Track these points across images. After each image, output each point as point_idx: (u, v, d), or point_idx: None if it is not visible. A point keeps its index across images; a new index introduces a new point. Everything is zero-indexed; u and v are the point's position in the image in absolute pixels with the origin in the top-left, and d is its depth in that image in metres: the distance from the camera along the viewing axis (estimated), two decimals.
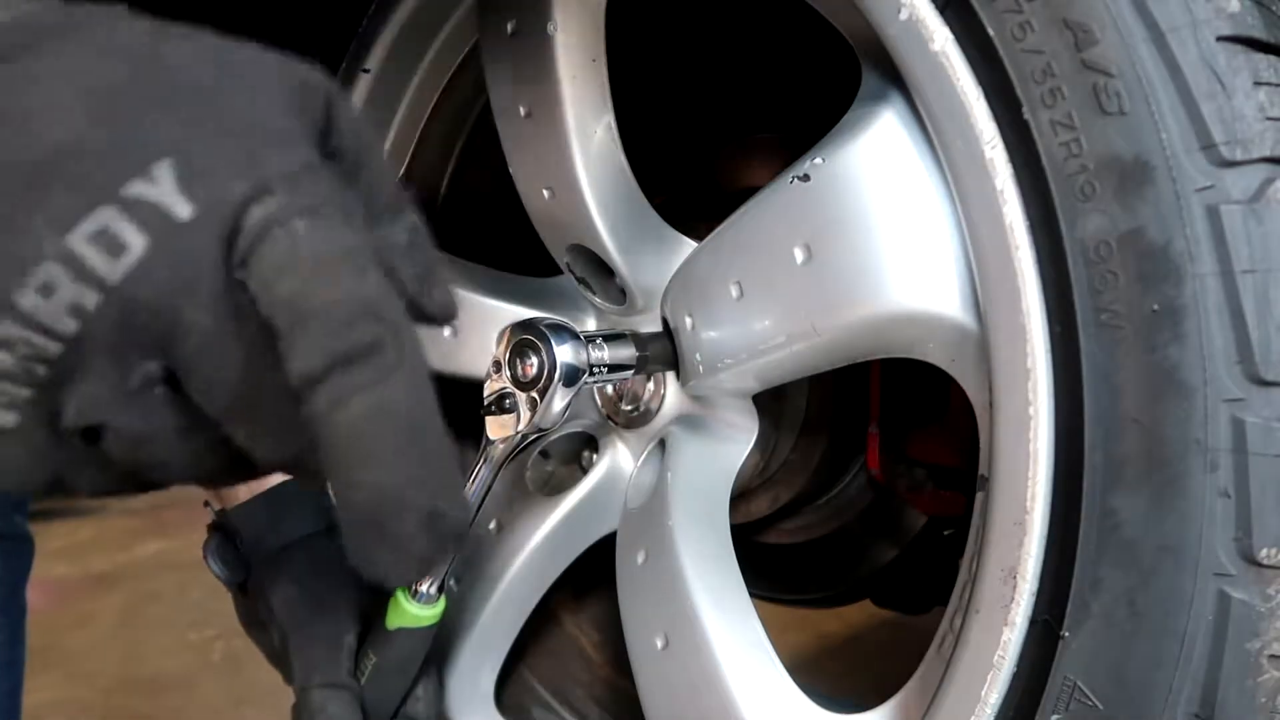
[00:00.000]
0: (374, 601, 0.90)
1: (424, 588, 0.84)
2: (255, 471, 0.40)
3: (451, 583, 0.99)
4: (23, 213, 0.33)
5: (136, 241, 0.33)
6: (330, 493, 0.35)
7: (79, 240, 0.32)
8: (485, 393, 0.81)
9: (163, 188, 0.33)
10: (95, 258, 0.33)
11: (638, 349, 0.83)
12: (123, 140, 0.33)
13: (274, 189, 0.34)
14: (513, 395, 0.79)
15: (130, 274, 0.33)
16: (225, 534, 0.95)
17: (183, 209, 0.33)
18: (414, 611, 0.84)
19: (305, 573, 0.90)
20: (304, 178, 0.35)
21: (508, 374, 0.79)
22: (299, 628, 0.88)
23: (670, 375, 0.90)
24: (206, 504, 1.00)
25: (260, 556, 0.92)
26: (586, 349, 0.79)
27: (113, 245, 0.33)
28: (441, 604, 0.85)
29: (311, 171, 0.36)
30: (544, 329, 0.78)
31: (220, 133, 0.35)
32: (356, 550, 0.34)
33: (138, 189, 0.33)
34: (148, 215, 0.33)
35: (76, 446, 0.36)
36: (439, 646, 0.96)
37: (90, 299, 0.33)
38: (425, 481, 0.34)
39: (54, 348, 0.33)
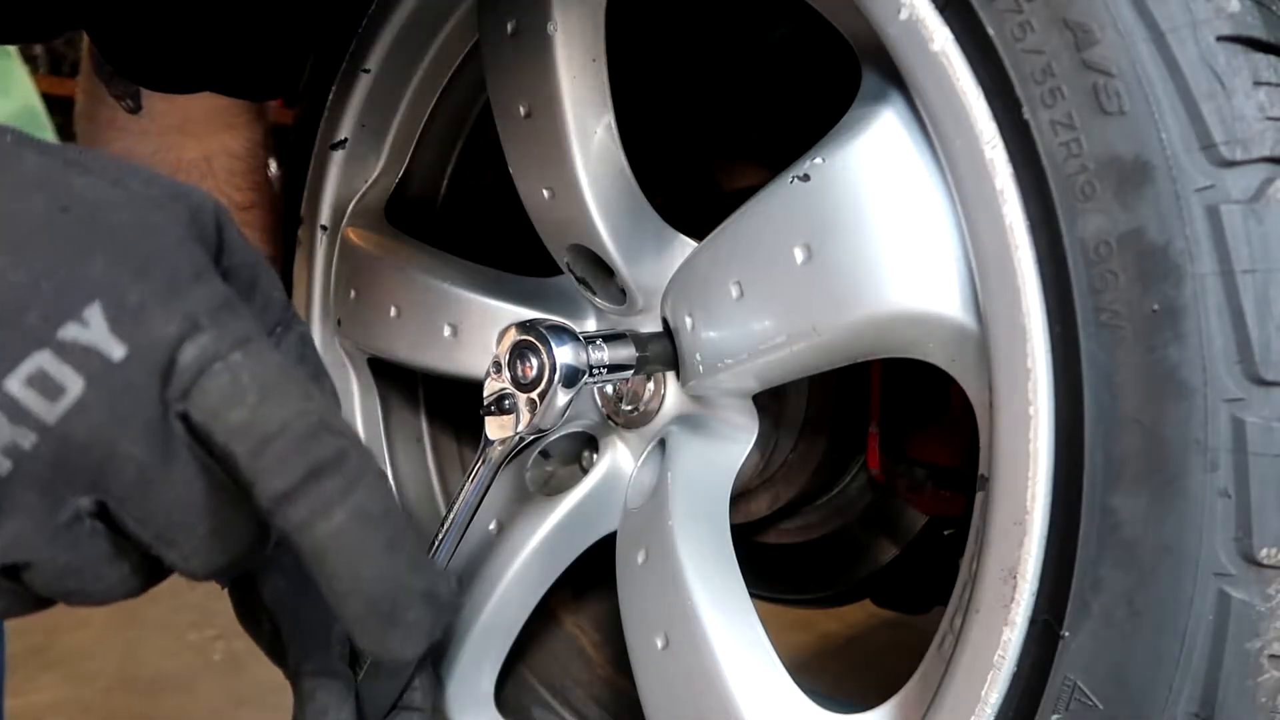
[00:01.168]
0: None
1: None
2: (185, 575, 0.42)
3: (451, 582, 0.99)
4: None
5: (74, 384, 0.34)
6: (324, 594, 0.38)
7: (16, 384, 0.34)
8: (485, 393, 0.81)
9: (95, 331, 0.34)
10: (32, 400, 0.34)
11: (637, 349, 0.83)
12: (52, 284, 0.34)
13: (203, 325, 0.36)
14: (512, 396, 0.79)
15: (67, 414, 0.34)
16: None
17: (117, 350, 0.35)
18: None
19: (293, 564, 0.90)
20: (225, 311, 0.37)
21: (507, 375, 0.79)
22: (290, 618, 0.88)
23: (670, 375, 0.90)
24: None
25: None
26: (586, 350, 0.79)
27: (49, 388, 0.34)
28: None
29: (230, 304, 0.38)
30: (544, 330, 0.78)
31: (142, 271, 0.36)
32: (369, 637, 0.37)
33: (72, 332, 0.34)
34: (83, 358, 0.34)
35: None
36: (438, 645, 0.96)
37: (27, 440, 0.34)
38: (418, 567, 0.37)
39: None
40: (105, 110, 0.92)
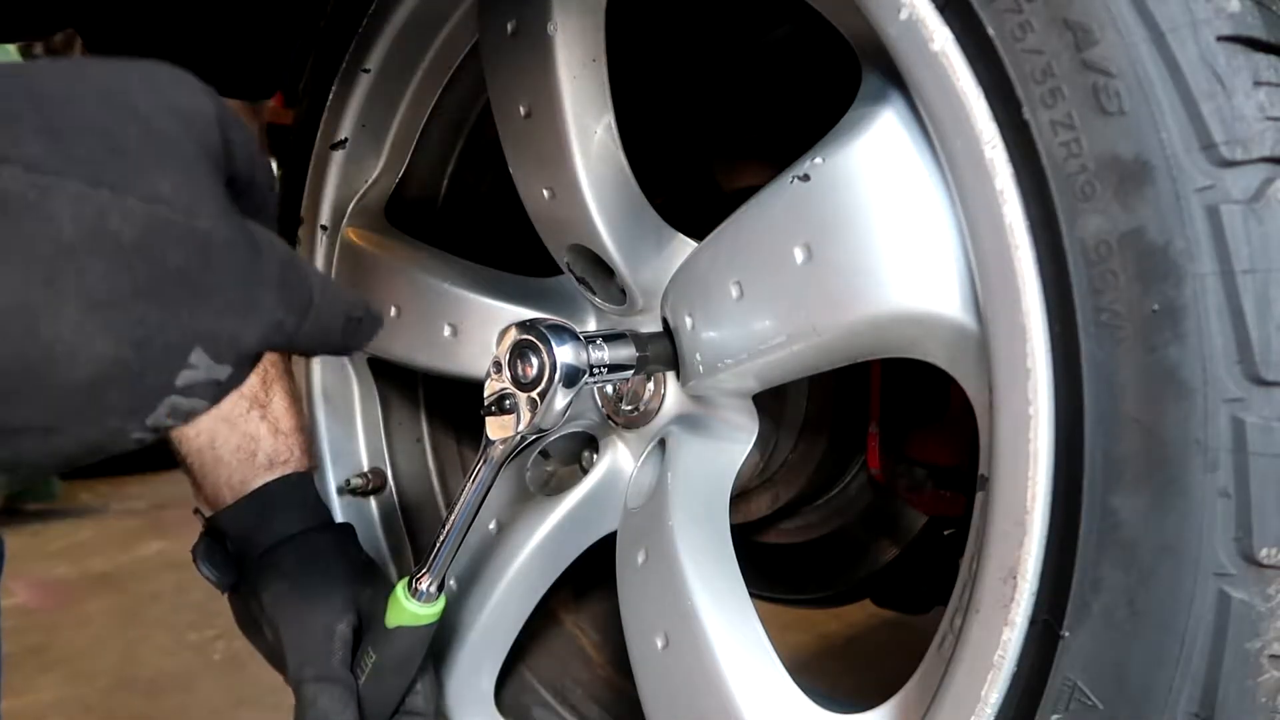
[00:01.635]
0: (368, 594, 0.90)
1: (424, 586, 0.84)
2: None
3: (451, 582, 0.99)
4: (94, 418, 0.40)
5: (200, 405, 0.43)
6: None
7: (159, 419, 0.42)
8: (485, 393, 0.81)
9: (203, 368, 0.42)
10: (175, 422, 0.43)
11: (638, 349, 0.83)
12: (158, 347, 0.41)
13: (274, 319, 0.44)
14: (513, 396, 0.79)
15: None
16: (214, 537, 0.96)
17: (223, 372, 0.43)
18: (413, 610, 0.84)
19: (294, 569, 0.90)
20: (285, 292, 0.45)
21: (508, 375, 0.79)
22: (289, 622, 0.88)
23: (670, 375, 0.90)
24: (196, 511, 1.00)
25: (249, 557, 0.92)
26: (586, 349, 0.79)
27: (181, 414, 0.43)
28: (441, 602, 0.85)
29: (284, 282, 0.45)
30: (544, 330, 0.78)
31: (222, 309, 0.42)
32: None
33: (186, 377, 0.42)
34: (202, 388, 0.43)
35: None
36: (439, 646, 0.96)
37: None
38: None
39: None
40: None
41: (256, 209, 0.47)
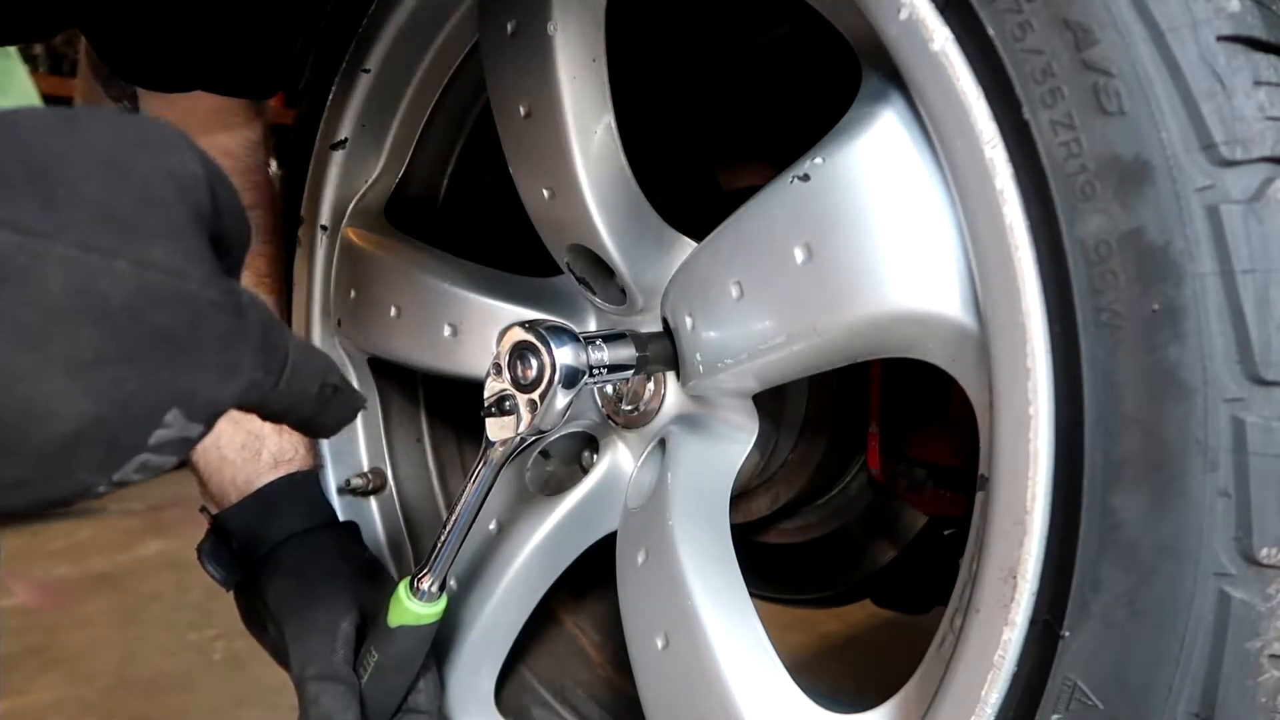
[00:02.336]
0: (371, 592, 0.90)
1: (425, 586, 0.84)
2: None
3: (451, 582, 0.99)
4: (65, 473, 0.41)
5: (168, 461, 0.44)
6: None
7: (127, 474, 0.43)
8: (485, 395, 0.81)
9: (177, 426, 0.43)
10: (141, 477, 0.44)
11: (637, 349, 0.83)
12: (135, 408, 0.41)
13: (252, 380, 0.45)
14: (513, 397, 0.79)
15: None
16: (219, 535, 0.96)
17: (195, 430, 0.44)
18: (415, 609, 0.84)
19: (298, 567, 0.90)
20: (262, 354, 0.46)
21: (507, 376, 0.79)
22: (293, 620, 0.88)
23: (670, 375, 0.90)
24: (203, 509, 1.00)
25: (254, 555, 0.92)
26: (586, 350, 0.79)
27: (151, 470, 0.44)
28: (443, 602, 0.85)
29: (263, 345, 0.46)
30: (543, 331, 0.78)
31: (203, 370, 0.43)
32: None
33: (160, 436, 0.43)
34: (172, 445, 0.43)
35: None
36: (440, 645, 0.96)
37: None
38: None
39: None
40: None
41: (235, 264, 0.48)
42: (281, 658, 0.91)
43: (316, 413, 0.51)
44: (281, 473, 0.97)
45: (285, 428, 0.98)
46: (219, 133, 0.96)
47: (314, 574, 0.90)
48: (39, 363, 0.39)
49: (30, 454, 0.40)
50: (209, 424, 0.45)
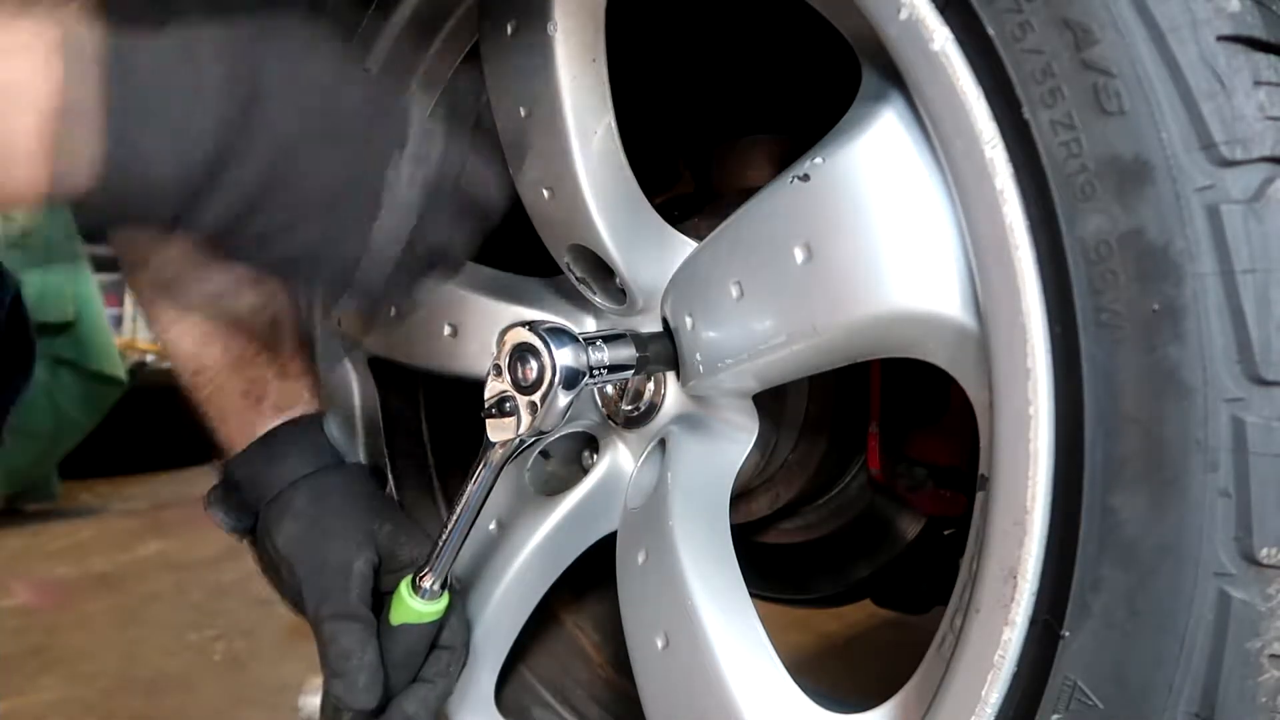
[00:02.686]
0: (386, 529, 0.89)
1: (427, 584, 0.84)
2: None
3: (455, 582, 0.99)
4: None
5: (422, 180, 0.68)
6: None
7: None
8: (485, 396, 0.81)
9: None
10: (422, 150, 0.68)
11: (637, 350, 0.83)
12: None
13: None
14: (513, 398, 0.79)
15: None
16: (227, 485, 0.95)
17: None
18: (417, 607, 0.84)
19: (305, 509, 0.89)
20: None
21: (507, 378, 0.79)
22: (304, 561, 0.87)
23: (670, 375, 0.90)
24: (213, 460, 1.00)
25: (263, 501, 0.92)
26: (586, 351, 0.79)
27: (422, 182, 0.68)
28: (445, 599, 0.85)
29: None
30: (543, 333, 0.78)
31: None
32: None
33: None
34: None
35: None
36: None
37: None
38: None
39: None
40: None
41: None
42: (297, 601, 0.90)
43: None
44: (285, 418, 0.96)
45: (288, 374, 0.98)
46: None
47: (323, 514, 0.89)
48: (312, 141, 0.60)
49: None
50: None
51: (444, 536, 0.84)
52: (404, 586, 0.85)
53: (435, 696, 0.87)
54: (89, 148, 0.56)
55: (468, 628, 0.90)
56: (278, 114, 0.59)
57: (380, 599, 0.88)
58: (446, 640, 0.89)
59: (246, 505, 0.94)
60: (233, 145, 0.58)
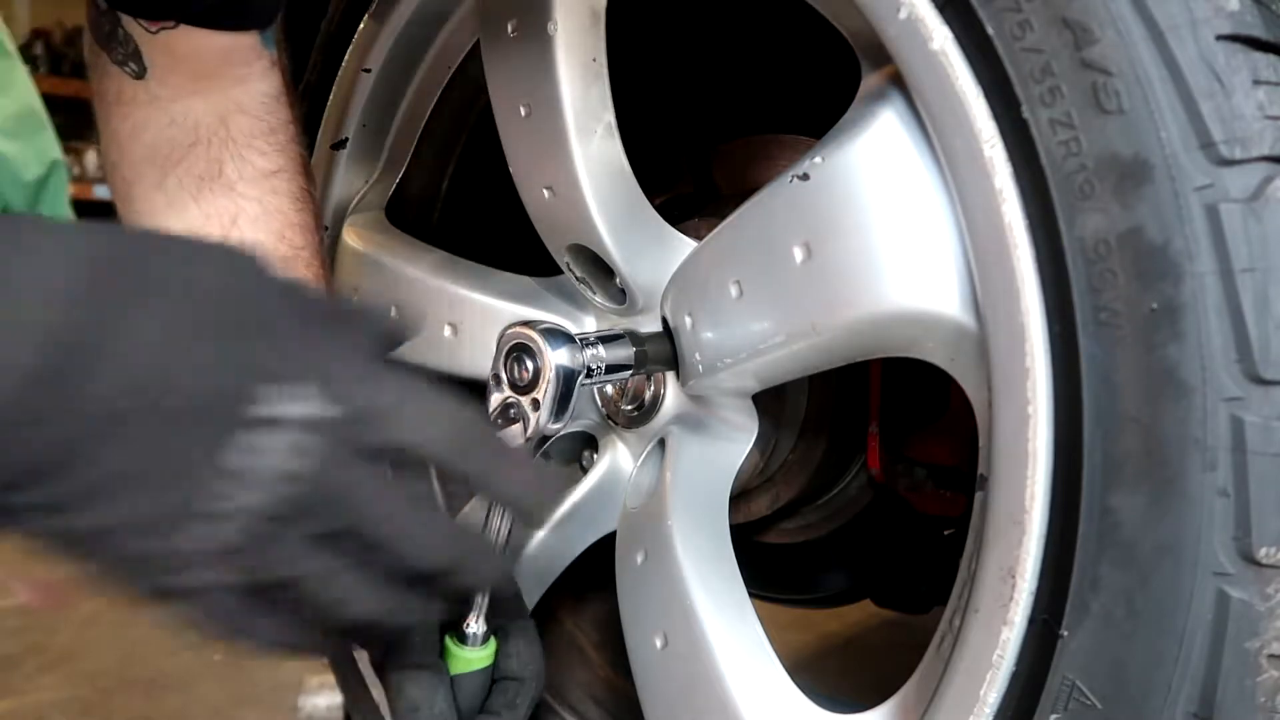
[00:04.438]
0: None
1: (471, 629, 0.82)
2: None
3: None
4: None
5: (277, 444, 0.49)
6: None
7: (232, 458, 0.48)
8: (490, 408, 0.80)
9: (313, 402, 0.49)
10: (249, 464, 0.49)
11: (635, 348, 0.83)
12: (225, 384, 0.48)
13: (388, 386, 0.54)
14: (516, 403, 0.79)
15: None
16: None
17: (333, 410, 0.50)
18: (469, 656, 0.82)
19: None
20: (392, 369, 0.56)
21: (506, 382, 0.79)
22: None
23: (670, 375, 0.90)
24: None
25: None
26: (582, 351, 0.79)
27: (263, 457, 0.48)
28: (493, 644, 0.83)
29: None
30: (539, 332, 0.78)
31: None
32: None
33: (254, 410, 0.48)
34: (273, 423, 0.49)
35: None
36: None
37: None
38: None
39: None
40: (112, 83, 0.89)
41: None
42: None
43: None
44: None
45: None
46: (232, 88, 0.89)
47: None
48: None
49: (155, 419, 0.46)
50: (312, 409, 0.49)
51: None
52: (450, 641, 0.82)
53: None
54: None
55: (539, 656, 0.84)
56: (108, 370, 0.46)
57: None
58: (515, 671, 0.85)
59: None
60: (44, 400, 0.45)
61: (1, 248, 0.45)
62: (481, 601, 0.81)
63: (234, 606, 0.52)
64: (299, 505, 0.49)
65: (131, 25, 0.85)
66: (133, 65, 0.87)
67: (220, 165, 0.88)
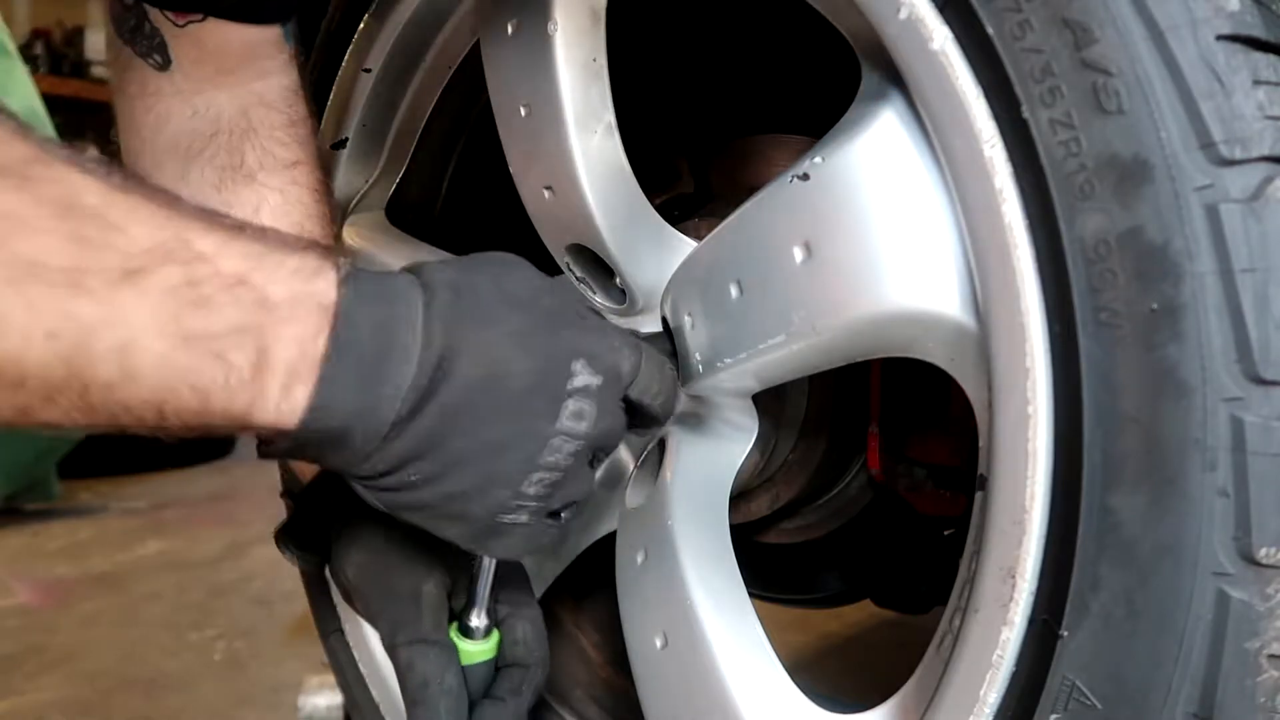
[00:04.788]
0: (454, 547, 0.87)
1: (474, 622, 0.82)
2: None
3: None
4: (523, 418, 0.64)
5: (591, 409, 0.66)
6: None
7: (566, 422, 0.65)
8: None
9: (583, 375, 0.65)
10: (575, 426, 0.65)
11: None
12: (553, 364, 0.65)
13: (629, 353, 0.70)
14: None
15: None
16: (297, 519, 0.94)
17: (597, 380, 0.66)
18: (472, 649, 0.82)
19: (373, 539, 0.87)
20: (629, 341, 0.71)
21: None
22: (374, 592, 0.85)
23: None
24: (284, 494, 0.98)
25: (333, 533, 0.90)
26: None
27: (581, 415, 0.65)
28: (496, 636, 0.83)
29: (626, 338, 0.71)
30: None
31: (599, 332, 0.68)
32: None
33: (574, 383, 0.65)
34: (587, 393, 0.65)
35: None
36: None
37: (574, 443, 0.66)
38: None
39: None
40: (134, 76, 0.90)
41: None
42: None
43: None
44: None
45: None
46: (254, 81, 0.91)
47: (389, 543, 0.87)
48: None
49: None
50: (607, 375, 0.66)
51: (480, 566, 0.82)
52: (453, 632, 0.82)
53: (507, 715, 0.85)
54: (304, 391, 0.58)
55: (545, 642, 0.86)
56: (464, 374, 0.61)
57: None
58: (521, 657, 0.86)
59: (318, 538, 0.92)
60: (420, 406, 0.61)
61: (382, 281, 0.62)
62: (484, 594, 0.81)
63: (542, 528, 0.69)
64: (596, 445, 0.67)
65: (158, 18, 0.86)
66: (157, 57, 0.88)
67: (242, 156, 0.90)
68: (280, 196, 0.90)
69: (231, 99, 0.89)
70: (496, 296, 0.64)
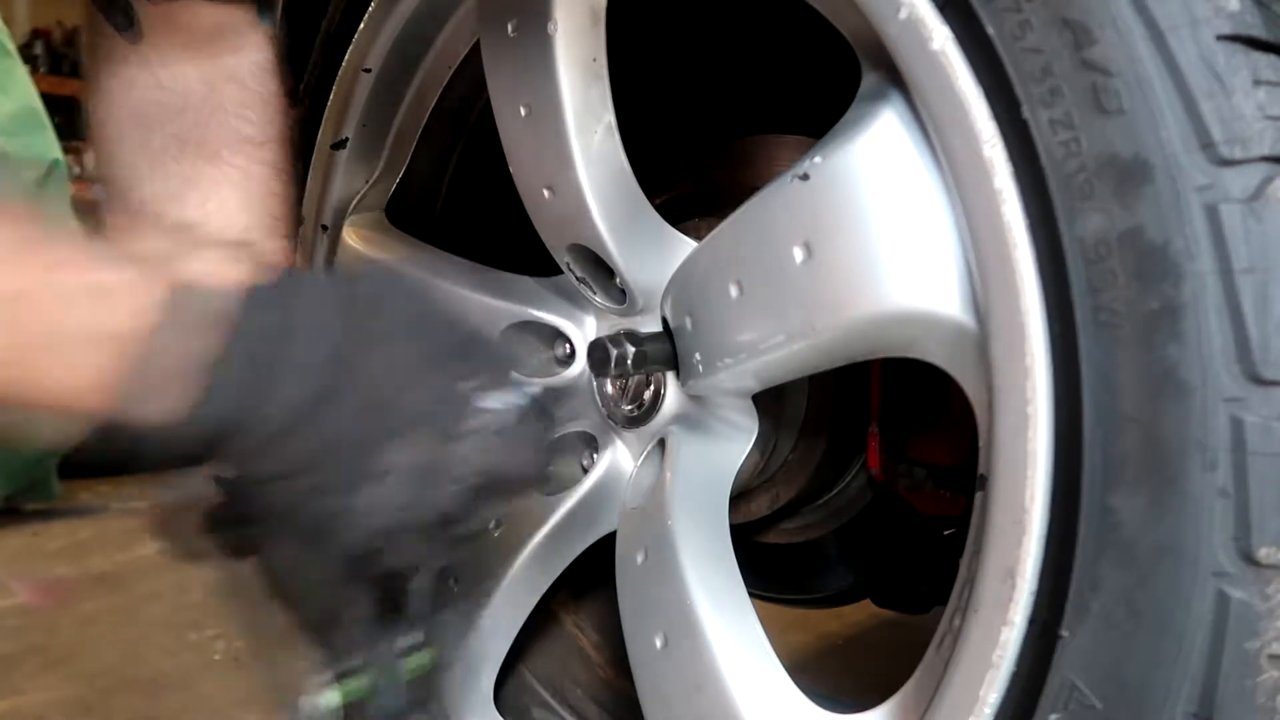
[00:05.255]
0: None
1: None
2: None
3: (451, 583, 0.98)
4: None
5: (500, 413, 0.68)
6: None
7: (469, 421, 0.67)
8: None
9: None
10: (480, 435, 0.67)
11: (635, 349, 0.84)
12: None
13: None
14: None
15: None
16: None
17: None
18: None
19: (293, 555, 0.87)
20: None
21: None
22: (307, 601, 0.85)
23: (670, 375, 0.90)
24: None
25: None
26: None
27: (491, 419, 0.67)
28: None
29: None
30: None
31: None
32: None
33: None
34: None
35: None
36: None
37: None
38: None
39: None
40: (106, 42, 0.90)
41: None
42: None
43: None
44: None
45: None
46: (225, 55, 0.90)
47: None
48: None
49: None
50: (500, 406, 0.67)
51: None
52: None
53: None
54: (176, 392, 0.61)
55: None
56: (362, 382, 0.63)
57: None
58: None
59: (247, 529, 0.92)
60: (314, 412, 0.62)
61: (284, 299, 0.63)
62: (411, 612, 0.81)
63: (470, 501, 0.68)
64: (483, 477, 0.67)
65: None
66: (129, 30, 0.88)
67: (206, 131, 0.89)
68: (241, 174, 0.90)
69: (201, 74, 0.89)
70: (399, 323, 0.67)
